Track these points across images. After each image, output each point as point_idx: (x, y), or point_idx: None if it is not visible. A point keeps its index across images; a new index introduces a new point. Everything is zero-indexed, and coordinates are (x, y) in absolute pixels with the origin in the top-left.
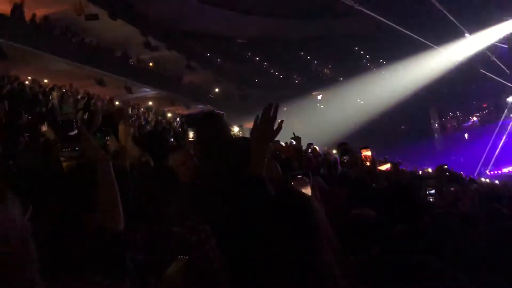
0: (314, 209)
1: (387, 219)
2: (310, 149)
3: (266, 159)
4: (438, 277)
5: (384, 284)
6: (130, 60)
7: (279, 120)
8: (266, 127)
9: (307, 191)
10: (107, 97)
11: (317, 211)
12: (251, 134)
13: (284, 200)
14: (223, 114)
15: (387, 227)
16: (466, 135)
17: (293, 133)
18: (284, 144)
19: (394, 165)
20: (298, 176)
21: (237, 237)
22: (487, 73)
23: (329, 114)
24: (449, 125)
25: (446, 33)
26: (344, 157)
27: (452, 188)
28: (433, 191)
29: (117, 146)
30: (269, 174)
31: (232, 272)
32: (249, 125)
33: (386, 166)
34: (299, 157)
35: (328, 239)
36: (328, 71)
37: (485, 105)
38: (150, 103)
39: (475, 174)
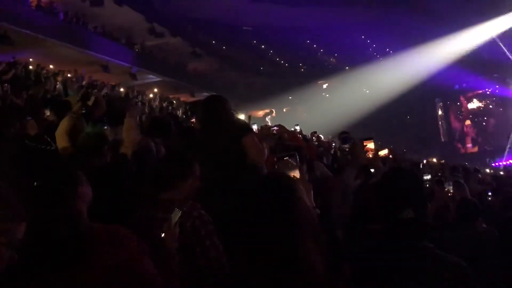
0: (297, 195)
1: (390, 204)
2: (314, 137)
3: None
4: (440, 264)
5: (382, 268)
6: (135, 47)
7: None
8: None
9: (295, 173)
10: (111, 83)
11: (299, 197)
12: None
13: (265, 185)
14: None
15: (390, 211)
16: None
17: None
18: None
19: (391, 151)
20: (285, 158)
21: (229, 225)
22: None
23: (334, 103)
24: (454, 116)
25: (454, 22)
26: (344, 146)
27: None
28: (428, 177)
29: (113, 136)
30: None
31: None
32: (254, 112)
33: (383, 152)
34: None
35: (310, 225)
36: (333, 60)
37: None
38: (155, 90)
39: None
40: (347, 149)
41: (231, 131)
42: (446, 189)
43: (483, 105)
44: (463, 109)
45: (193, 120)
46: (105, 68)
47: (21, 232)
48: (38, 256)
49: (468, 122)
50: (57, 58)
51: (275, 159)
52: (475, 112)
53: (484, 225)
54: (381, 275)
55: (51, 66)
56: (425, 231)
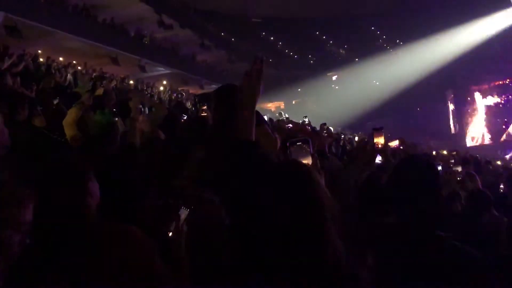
0: (315, 180)
1: (404, 192)
2: (323, 129)
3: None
4: (456, 254)
5: (396, 253)
6: (144, 39)
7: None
8: (249, 88)
9: (308, 159)
10: (121, 76)
11: (318, 182)
12: (239, 94)
13: (282, 170)
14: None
15: (405, 200)
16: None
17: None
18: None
19: (402, 141)
20: (298, 143)
21: (237, 209)
22: None
23: (343, 95)
24: (465, 108)
25: (467, 12)
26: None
27: (458, 169)
28: (439, 168)
29: (124, 127)
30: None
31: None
32: (263, 105)
33: (394, 143)
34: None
35: (331, 210)
36: (343, 52)
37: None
38: (164, 82)
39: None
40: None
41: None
42: (454, 170)
43: (502, 101)
44: (475, 106)
45: (204, 107)
46: (114, 61)
47: (29, 215)
48: (43, 253)
49: (477, 120)
50: (67, 50)
51: (287, 144)
52: (491, 109)
53: (496, 215)
54: (397, 265)
55: (60, 59)
56: (438, 221)
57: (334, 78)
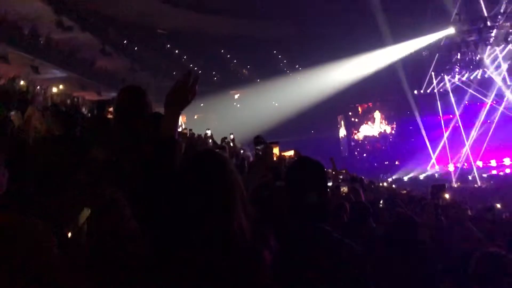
0: (231, 167)
1: (297, 189)
2: (224, 143)
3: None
4: (336, 244)
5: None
6: (40, 38)
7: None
8: (182, 93)
9: None
10: (10, 76)
11: (233, 169)
12: (166, 97)
13: (199, 158)
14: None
15: (297, 194)
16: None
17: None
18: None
19: (296, 152)
20: (217, 151)
21: (149, 201)
22: None
23: (244, 113)
24: (354, 132)
25: (365, 42)
26: (257, 147)
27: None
28: (330, 183)
29: (21, 122)
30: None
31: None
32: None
33: (289, 153)
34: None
35: (242, 195)
36: (246, 72)
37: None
38: (61, 86)
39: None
40: (259, 152)
41: (149, 124)
42: (341, 190)
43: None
44: (359, 131)
45: (110, 109)
46: (4, 59)
47: None
48: None
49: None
50: None
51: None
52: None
53: (374, 225)
54: (287, 253)
55: None
56: (326, 215)
57: (236, 96)
